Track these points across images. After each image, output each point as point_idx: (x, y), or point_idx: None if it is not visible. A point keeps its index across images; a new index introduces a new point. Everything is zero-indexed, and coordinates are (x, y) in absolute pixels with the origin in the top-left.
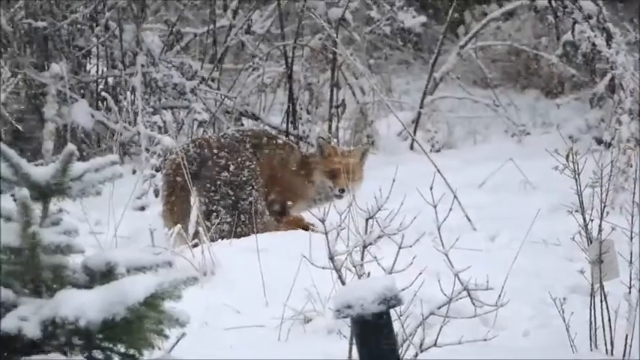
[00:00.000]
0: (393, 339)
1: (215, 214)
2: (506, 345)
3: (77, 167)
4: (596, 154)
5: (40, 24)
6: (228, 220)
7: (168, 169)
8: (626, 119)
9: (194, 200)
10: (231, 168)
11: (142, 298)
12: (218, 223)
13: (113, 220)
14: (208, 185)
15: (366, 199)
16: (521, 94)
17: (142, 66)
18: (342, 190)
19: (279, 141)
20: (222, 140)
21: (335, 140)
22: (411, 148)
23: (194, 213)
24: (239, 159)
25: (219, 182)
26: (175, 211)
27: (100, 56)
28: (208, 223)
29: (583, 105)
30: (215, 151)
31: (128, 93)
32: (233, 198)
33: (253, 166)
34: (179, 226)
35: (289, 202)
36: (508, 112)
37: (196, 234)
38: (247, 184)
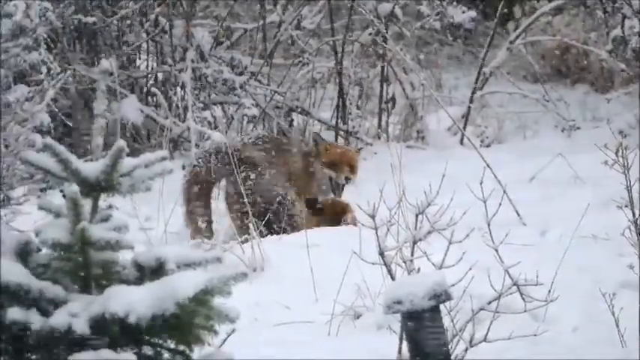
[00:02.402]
0: (443, 334)
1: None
2: (556, 340)
3: (127, 163)
4: None
5: (90, 19)
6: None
7: (189, 177)
8: None
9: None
10: (252, 176)
11: (191, 294)
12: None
13: (163, 215)
14: (236, 196)
15: (416, 195)
16: (571, 89)
17: (192, 61)
18: (348, 179)
19: (286, 141)
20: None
21: (384, 135)
22: (461, 143)
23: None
24: (259, 167)
25: (247, 192)
26: (194, 216)
27: (150, 52)
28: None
29: (633, 100)
30: (235, 161)
31: (178, 88)
32: (263, 205)
33: (274, 170)
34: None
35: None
36: (558, 107)
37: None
38: (272, 187)
